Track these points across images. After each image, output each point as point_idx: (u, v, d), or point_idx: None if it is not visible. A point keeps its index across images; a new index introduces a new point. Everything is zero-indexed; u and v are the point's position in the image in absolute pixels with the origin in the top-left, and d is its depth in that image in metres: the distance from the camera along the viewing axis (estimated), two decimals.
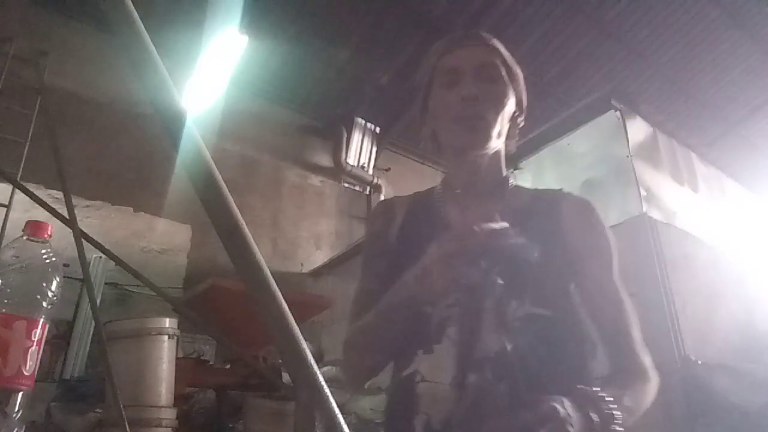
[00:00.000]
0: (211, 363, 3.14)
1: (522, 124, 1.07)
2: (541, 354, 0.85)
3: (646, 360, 0.91)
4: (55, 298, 0.94)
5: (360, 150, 6.47)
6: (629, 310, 0.95)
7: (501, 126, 0.99)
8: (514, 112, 1.04)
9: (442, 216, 1.03)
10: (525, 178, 3.41)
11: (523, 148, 3.41)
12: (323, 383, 0.68)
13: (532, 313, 0.88)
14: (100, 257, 5.19)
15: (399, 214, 1.09)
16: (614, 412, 0.75)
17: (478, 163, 1.01)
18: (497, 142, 1.00)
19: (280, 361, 2.46)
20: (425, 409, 0.86)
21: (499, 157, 1.04)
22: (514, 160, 3.46)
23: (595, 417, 0.73)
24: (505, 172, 1.06)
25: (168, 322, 1.89)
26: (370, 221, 1.15)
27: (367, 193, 6.62)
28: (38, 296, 0.91)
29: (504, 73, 1.01)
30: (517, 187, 1.05)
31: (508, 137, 1.04)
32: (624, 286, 0.98)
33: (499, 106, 0.98)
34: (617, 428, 0.75)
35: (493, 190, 1.02)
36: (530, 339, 0.86)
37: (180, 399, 2.08)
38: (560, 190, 1.05)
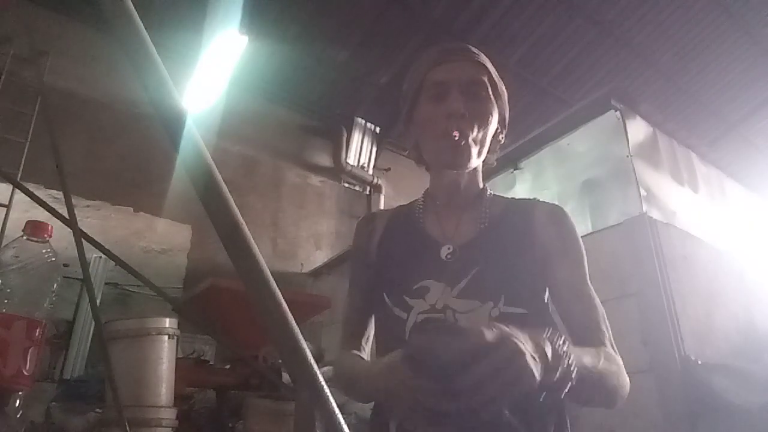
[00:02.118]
0: (211, 363, 3.13)
1: (503, 141, 1.10)
2: None
3: (618, 358, 0.91)
4: (55, 297, 0.94)
5: (360, 150, 6.47)
6: (600, 312, 0.95)
7: (483, 145, 1.02)
8: (497, 129, 1.06)
9: (422, 229, 1.06)
10: (525, 178, 3.41)
11: (523, 148, 3.42)
12: (323, 383, 0.68)
13: (507, 313, 0.92)
14: (100, 257, 5.19)
15: (379, 227, 1.13)
16: (568, 355, 0.71)
17: (458, 179, 1.05)
18: (478, 161, 1.03)
19: (280, 361, 2.46)
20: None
21: (477, 171, 1.08)
22: (514, 160, 3.46)
23: (548, 350, 0.68)
24: (482, 185, 1.10)
25: (168, 322, 1.89)
26: (354, 236, 1.17)
27: (367, 193, 6.62)
28: (38, 296, 0.91)
29: (490, 91, 1.02)
30: (494, 197, 1.09)
31: (488, 152, 1.07)
32: (593, 290, 0.99)
33: (484, 124, 1.00)
34: (570, 374, 0.71)
35: (472, 201, 1.06)
36: None
37: (180, 399, 2.08)
38: (534, 198, 1.09)
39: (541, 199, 1.09)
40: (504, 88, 1.07)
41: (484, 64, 1.03)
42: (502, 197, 1.11)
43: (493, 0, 5.26)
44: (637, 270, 2.35)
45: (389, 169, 6.65)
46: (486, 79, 1.01)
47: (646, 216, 2.46)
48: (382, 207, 6.41)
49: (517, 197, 1.13)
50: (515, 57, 5.78)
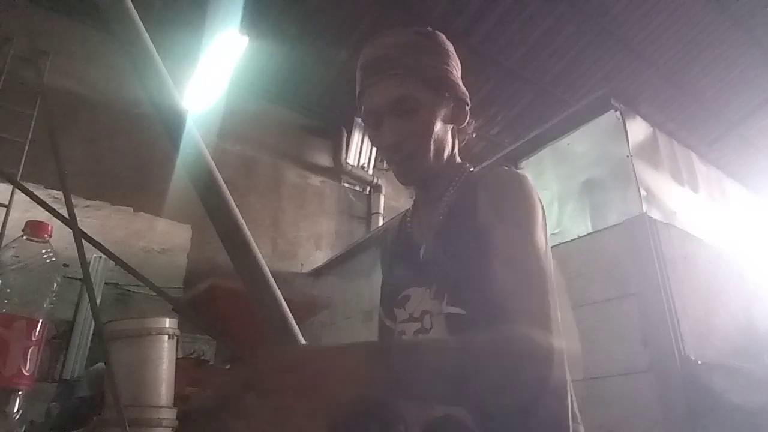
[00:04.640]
0: (211, 363, 3.13)
1: (468, 112, 1.01)
2: None
3: (534, 329, 0.68)
4: (55, 297, 0.94)
5: (360, 150, 6.47)
6: (520, 278, 0.76)
7: (436, 146, 0.96)
8: (452, 114, 0.99)
9: (408, 234, 1.06)
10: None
11: (523, 148, 3.42)
12: None
13: (449, 313, 0.87)
14: (100, 257, 5.19)
15: (387, 242, 1.15)
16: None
17: (428, 181, 1.01)
18: (438, 161, 0.97)
19: None
20: None
21: (449, 158, 1.00)
22: (514, 160, 3.46)
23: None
24: (458, 163, 1.02)
25: (168, 322, 1.88)
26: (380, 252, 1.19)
27: (367, 193, 6.62)
28: (38, 296, 0.91)
29: (423, 96, 0.93)
30: (466, 177, 1.00)
31: (457, 133, 1.02)
32: (535, 255, 0.79)
33: (426, 134, 0.95)
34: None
35: (443, 192, 1.00)
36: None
37: (180, 399, 2.08)
38: (497, 168, 0.96)
39: (501, 168, 0.97)
40: (447, 67, 0.97)
41: (408, 71, 0.92)
42: (473, 173, 1.02)
43: (493, 0, 5.26)
44: (637, 270, 2.35)
45: (389, 169, 6.65)
46: (415, 87, 0.92)
47: (646, 216, 2.46)
48: (382, 207, 6.42)
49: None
50: (515, 57, 5.78)
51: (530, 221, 0.83)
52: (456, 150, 1.04)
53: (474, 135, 1.06)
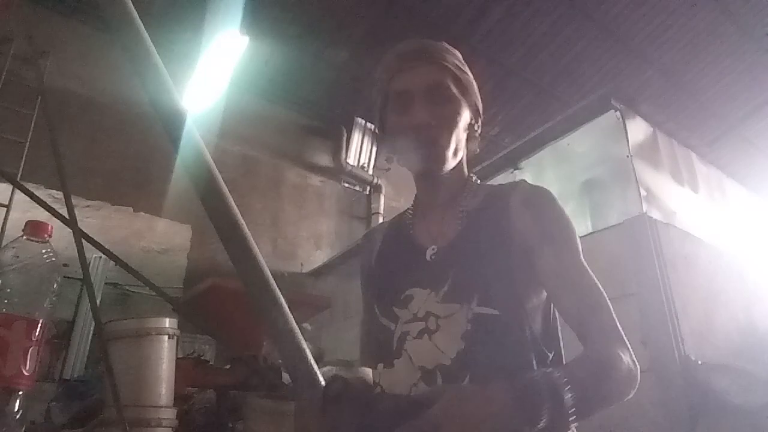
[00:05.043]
0: (211, 363, 3.14)
1: (479, 129, 1.07)
2: (493, 355, 0.86)
3: (618, 347, 0.82)
4: (55, 297, 0.94)
5: (360, 150, 6.47)
6: (594, 299, 0.87)
7: (456, 143, 1.00)
8: (470, 121, 1.04)
9: (411, 235, 1.06)
10: (525, 178, 3.41)
11: (523, 148, 3.42)
12: (323, 383, 0.68)
13: (480, 314, 0.89)
14: (100, 257, 5.19)
15: (378, 241, 1.13)
16: (562, 388, 0.68)
17: (439, 179, 1.03)
18: (454, 160, 1.01)
19: (280, 361, 2.46)
20: None
21: (460, 165, 1.05)
22: (514, 160, 3.46)
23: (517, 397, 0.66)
24: (466, 174, 1.08)
25: (168, 322, 1.89)
26: (360, 255, 1.18)
27: (367, 193, 6.62)
28: (38, 296, 0.91)
29: (455, 90, 1.00)
30: (478, 187, 1.06)
31: (468, 142, 1.06)
32: (590, 274, 0.91)
33: (453, 126, 0.99)
34: (567, 404, 0.68)
35: (454, 198, 1.04)
36: (479, 340, 0.87)
37: (180, 399, 2.08)
38: (519, 181, 1.04)
39: (527, 182, 1.04)
40: (470, 78, 1.04)
41: (443, 63, 1.00)
42: (487, 185, 1.08)
43: (493, 0, 5.26)
44: (637, 270, 2.35)
45: (389, 169, 6.65)
46: (449, 80, 0.99)
47: (646, 216, 2.46)
48: (382, 207, 6.42)
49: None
50: (515, 57, 5.78)
51: (576, 240, 0.94)
52: (465, 159, 1.07)
53: (478, 152, 1.10)
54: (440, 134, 0.97)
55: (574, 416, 0.69)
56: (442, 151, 0.98)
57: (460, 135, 1.01)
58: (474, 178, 1.08)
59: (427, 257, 0.99)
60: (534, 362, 0.88)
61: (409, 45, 1.02)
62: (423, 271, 0.98)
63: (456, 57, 1.03)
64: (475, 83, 1.05)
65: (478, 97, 1.06)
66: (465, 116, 1.02)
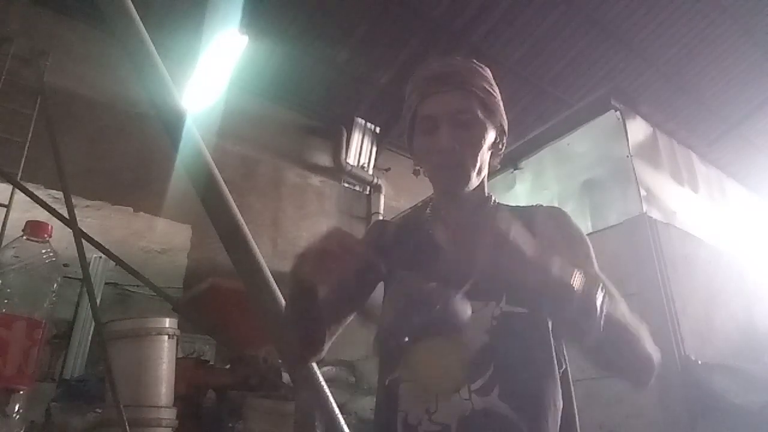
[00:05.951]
0: (211, 363, 3.14)
1: (503, 147, 1.12)
2: (518, 349, 0.92)
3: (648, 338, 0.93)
4: (55, 297, 0.94)
5: (360, 150, 6.47)
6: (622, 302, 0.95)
7: (481, 163, 1.05)
8: (495, 140, 1.08)
9: (430, 236, 1.10)
10: (525, 178, 3.41)
11: (523, 148, 3.42)
12: (323, 383, 0.68)
13: (508, 311, 0.94)
14: (100, 257, 5.19)
15: (390, 233, 1.16)
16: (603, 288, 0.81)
17: (462, 196, 1.07)
18: (477, 179, 1.06)
19: (280, 361, 2.46)
20: (404, 407, 0.93)
21: (482, 183, 1.10)
22: (514, 159, 3.46)
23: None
24: (487, 192, 1.13)
25: (168, 322, 1.89)
26: (365, 234, 1.20)
27: (367, 193, 6.61)
28: (38, 296, 0.91)
29: (480, 114, 1.03)
30: (498, 204, 1.12)
31: (492, 159, 1.10)
32: (610, 283, 0.98)
33: (477, 149, 1.03)
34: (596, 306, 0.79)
35: (476, 210, 1.08)
36: (507, 335, 0.93)
37: (180, 399, 2.08)
38: (536, 204, 1.13)
39: (541, 205, 1.12)
40: (497, 99, 1.08)
41: (472, 89, 1.03)
42: (507, 206, 1.14)
43: (493, 0, 5.26)
44: (637, 270, 2.35)
45: (389, 169, 6.65)
46: (475, 104, 1.02)
47: (646, 216, 2.46)
48: (382, 207, 6.42)
49: (518, 199, 1.13)
50: (515, 57, 5.78)
51: (593, 253, 1.04)
52: (486, 177, 1.11)
53: (499, 167, 1.16)
54: (465, 158, 1.02)
55: (600, 326, 0.79)
56: (467, 173, 1.02)
57: (484, 156, 1.05)
58: (494, 198, 1.13)
59: (448, 260, 1.02)
60: (554, 357, 0.94)
61: (439, 68, 1.06)
62: (443, 271, 0.99)
63: (485, 79, 1.06)
64: (501, 103, 1.09)
65: (504, 116, 1.10)
66: (490, 137, 1.06)
